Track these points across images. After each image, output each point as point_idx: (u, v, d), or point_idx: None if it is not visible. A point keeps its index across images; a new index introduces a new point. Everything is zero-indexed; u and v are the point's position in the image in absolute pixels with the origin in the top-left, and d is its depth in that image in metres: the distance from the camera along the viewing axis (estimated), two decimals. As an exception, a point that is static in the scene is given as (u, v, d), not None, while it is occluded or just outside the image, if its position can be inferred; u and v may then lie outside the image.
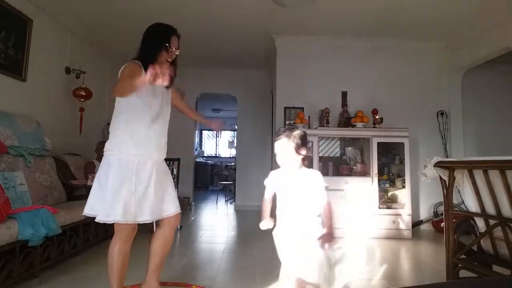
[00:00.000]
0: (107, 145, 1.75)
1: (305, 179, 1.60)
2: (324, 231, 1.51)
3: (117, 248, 1.73)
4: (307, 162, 1.66)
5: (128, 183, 1.67)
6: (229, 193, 7.38)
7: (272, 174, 1.68)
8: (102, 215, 1.64)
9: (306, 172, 1.62)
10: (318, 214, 1.55)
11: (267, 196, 1.68)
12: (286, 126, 1.74)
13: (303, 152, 1.60)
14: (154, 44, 1.79)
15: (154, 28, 1.85)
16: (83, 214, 1.72)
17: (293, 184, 1.60)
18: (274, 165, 5.07)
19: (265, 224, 1.63)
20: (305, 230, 1.53)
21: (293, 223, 1.57)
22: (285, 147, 1.60)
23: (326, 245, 1.46)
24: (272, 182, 1.66)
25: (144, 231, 3.63)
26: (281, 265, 1.57)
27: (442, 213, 2.47)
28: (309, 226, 1.54)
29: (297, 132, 1.62)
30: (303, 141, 1.61)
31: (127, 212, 1.64)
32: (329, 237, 1.49)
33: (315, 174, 1.62)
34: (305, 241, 1.50)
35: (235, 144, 7.71)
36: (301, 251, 1.50)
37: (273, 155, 5.21)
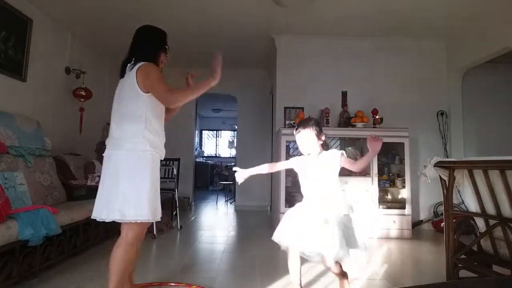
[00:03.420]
0: (138, 145, 1.67)
1: (328, 159, 1.81)
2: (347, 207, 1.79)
3: (136, 249, 1.71)
4: (325, 145, 1.88)
5: (157, 181, 1.75)
6: (229, 193, 7.37)
7: (298, 157, 1.93)
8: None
9: (326, 153, 1.84)
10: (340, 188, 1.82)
11: (278, 165, 2.03)
12: (294, 122, 2.09)
13: (323, 137, 1.82)
14: (155, 45, 1.83)
15: (154, 30, 1.87)
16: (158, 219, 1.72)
17: (317, 166, 1.81)
18: (274, 165, 5.07)
19: (240, 174, 1.87)
20: (327, 205, 1.74)
21: (318, 200, 1.78)
22: (308, 137, 1.81)
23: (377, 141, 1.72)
24: (296, 163, 1.90)
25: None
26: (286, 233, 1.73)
27: (442, 213, 2.47)
28: (332, 201, 1.76)
29: (313, 121, 1.84)
30: (320, 127, 1.83)
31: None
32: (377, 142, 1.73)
33: (334, 151, 1.84)
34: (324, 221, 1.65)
35: (235, 144, 7.71)
36: (321, 228, 1.63)
37: (273, 155, 5.21)
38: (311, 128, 1.80)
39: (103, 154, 1.75)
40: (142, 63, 1.71)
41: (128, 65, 1.77)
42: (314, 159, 1.82)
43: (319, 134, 1.81)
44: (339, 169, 1.77)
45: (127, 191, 1.63)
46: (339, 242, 1.56)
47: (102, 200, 1.68)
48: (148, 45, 1.81)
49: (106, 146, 1.75)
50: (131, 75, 1.72)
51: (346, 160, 1.78)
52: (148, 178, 1.66)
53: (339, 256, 1.58)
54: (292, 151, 4.17)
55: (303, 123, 1.84)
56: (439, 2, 3.50)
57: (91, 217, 1.70)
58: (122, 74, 1.82)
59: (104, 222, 1.66)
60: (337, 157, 1.77)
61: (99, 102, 4.91)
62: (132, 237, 1.67)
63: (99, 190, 1.71)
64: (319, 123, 1.85)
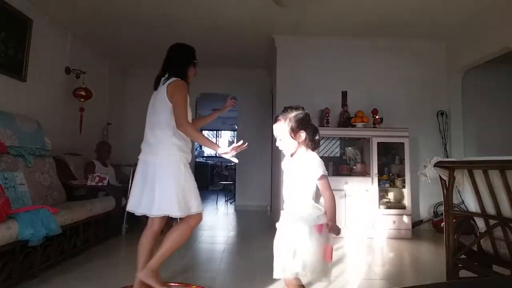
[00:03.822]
0: (169, 150, 1.94)
1: (301, 162, 1.46)
2: (323, 220, 1.38)
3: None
4: (311, 145, 1.50)
5: (189, 180, 2.01)
6: (229, 193, 7.37)
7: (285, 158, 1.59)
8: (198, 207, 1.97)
9: (303, 155, 1.48)
10: (312, 199, 1.43)
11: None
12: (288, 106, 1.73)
13: (301, 136, 1.45)
14: (186, 61, 2.08)
15: (183, 47, 2.12)
16: (199, 211, 1.97)
17: (290, 169, 1.49)
18: (274, 165, 5.07)
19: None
20: (296, 217, 1.42)
21: (287, 210, 1.49)
22: (280, 130, 1.48)
23: (323, 232, 1.34)
24: (283, 165, 1.58)
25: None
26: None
27: (442, 213, 2.47)
28: (302, 212, 1.42)
29: (294, 114, 1.46)
30: (300, 124, 1.46)
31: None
32: (330, 228, 1.34)
33: (309, 156, 1.46)
34: (290, 229, 1.40)
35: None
36: (284, 239, 1.42)
37: (273, 155, 5.21)
38: (286, 121, 1.46)
39: (138, 157, 2.02)
40: (174, 79, 1.96)
41: (162, 79, 2.01)
42: (290, 158, 1.52)
43: (295, 131, 1.45)
44: (314, 182, 1.42)
45: (161, 190, 1.88)
46: (284, 258, 1.37)
47: (139, 197, 1.94)
48: (178, 61, 2.06)
49: (142, 150, 2.02)
50: (163, 88, 1.95)
51: (321, 184, 1.41)
52: (177, 179, 1.91)
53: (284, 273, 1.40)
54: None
55: (281, 113, 1.51)
56: (439, 2, 3.50)
57: (127, 210, 2.01)
58: (155, 87, 2.05)
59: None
60: (314, 171, 1.41)
61: (99, 102, 4.91)
62: (193, 224, 2.01)
63: (134, 189, 1.98)
64: (303, 117, 1.47)
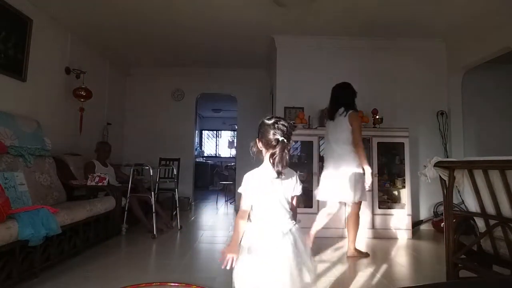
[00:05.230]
0: (353, 157, 2.81)
1: None
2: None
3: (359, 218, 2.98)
4: (277, 159, 1.33)
5: None
6: (229, 193, 7.37)
7: None
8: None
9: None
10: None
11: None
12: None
13: (259, 146, 1.38)
14: (353, 96, 2.92)
15: (347, 85, 2.95)
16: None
17: None
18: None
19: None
20: None
21: None
22: None
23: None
24: None
25: (145, 231, 3.64)
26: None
27: (442, 213, 2.47)
28: None
29: (262, 121, 1.38)
30: (260, 132, 1.37)
31: None
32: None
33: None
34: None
35: (235, 144, 7.70)
36: None
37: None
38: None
39: (326, 163, 2.99)
40: (351, 111, 2.85)
41: (341, 111, 2.88)
42: None
43: (257, 140, 1.41)
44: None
45: (351, 185, 2.77)
46: None
47: (331, 190, 2.85)
48: (348, 97, 2.91)
49: (329, 157, 2.96)
50: (345, 118, 2.85)
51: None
52: (357, 178, 2.79)
53: None
54: (291, 151, 4.17)
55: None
56: (439, 2, 3.50)
57: (317, 199, 3.24)
58: (332, 118, 2.97)
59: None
60: None
61: (99, 102, 4.91)
62: (357, 211, 2.95)
63: (327, 185, 2.89)
64: (260, 125, 1.38)
